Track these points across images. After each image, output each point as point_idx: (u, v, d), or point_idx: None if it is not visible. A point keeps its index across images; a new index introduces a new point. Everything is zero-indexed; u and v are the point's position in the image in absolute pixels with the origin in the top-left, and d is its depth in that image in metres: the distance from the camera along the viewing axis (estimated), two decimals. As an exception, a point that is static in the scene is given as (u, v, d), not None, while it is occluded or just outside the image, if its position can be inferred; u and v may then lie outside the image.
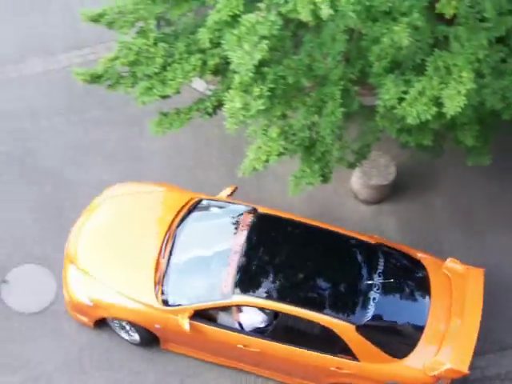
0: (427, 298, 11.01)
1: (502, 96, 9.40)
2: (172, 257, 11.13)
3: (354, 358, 10.61)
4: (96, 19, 9.59)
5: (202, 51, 9.30)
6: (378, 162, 12.53)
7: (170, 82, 9.27)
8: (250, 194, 12.39)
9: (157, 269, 11.10)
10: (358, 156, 10.96)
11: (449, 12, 8.68)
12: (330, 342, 10.61)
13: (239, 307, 10.83)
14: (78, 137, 13.19)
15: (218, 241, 11.23)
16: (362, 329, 10.50)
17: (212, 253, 11.15)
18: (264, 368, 11.31)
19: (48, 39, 14.09)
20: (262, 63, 8.15)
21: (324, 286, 10.94)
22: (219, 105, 9.86)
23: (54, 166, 12.71)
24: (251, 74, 8.04)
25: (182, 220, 11.46)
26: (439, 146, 10.99)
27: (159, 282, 11.01)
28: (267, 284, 10.82)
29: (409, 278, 11.27)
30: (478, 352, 10.73)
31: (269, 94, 8.44)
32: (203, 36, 8.84)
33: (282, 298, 10.67)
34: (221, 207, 11.64)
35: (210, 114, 10.14)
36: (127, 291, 11.00)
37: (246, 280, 10.77)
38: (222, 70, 9.59)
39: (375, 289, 10.76)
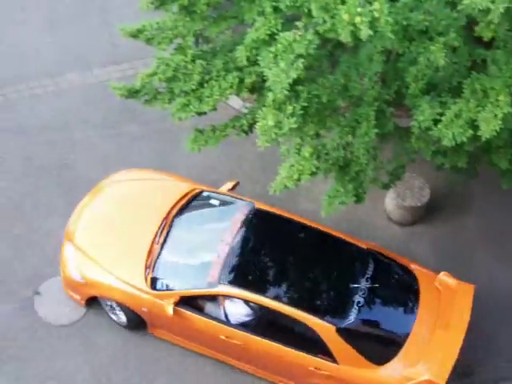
0: (415, 308, 10.97)
1: (539, 120, 9.35)
2: (166, 243, 11.31)
3: (334, 360, 10.60)
4: (135, 35, 9.65)
5: (240, 69, 9.33)
6: (412, 184, 12.54)
7: (207, 99, 9.31)
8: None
9: (149, 253, 11.28)
10: (393, 177, 10.95)
11: (487, 35, 8.65)
12: (311, 342, 10.62)
13: (226, 298, 10.86)
14: (112, 150, 13.30)
15: (211, 231, 11.40)
16: (343, 331, 10.49)
17: (204, 242, 11.30)
18: (246, 362, 11.32)
19: (86, 54, 14.24)
20: (296, 82, 8.15)
21: (309, 285, 11.01)
22: (255, 123, 9.86)
23: (89, 177, 12.78)
24: (286, 92, 8.06)
25: (181, 209, 11.65)
26: (473, 169, 10.97)
27: (150, 266, 11.18)
28: (254, 277, 10.99)
29: (398, 286, 11.31)
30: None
31: (302, 112, 8.44)
32: (241, 54, 8.87)
33: (266, 292, 10.78)
34: (220, 200, 11.77)
35: (245, 132, 10.19)
36: (118, 272, 11.21)
37: (233, 271, 10.87)
38: (259, 88, 9.61)
39: (361, 293, 10.77)
